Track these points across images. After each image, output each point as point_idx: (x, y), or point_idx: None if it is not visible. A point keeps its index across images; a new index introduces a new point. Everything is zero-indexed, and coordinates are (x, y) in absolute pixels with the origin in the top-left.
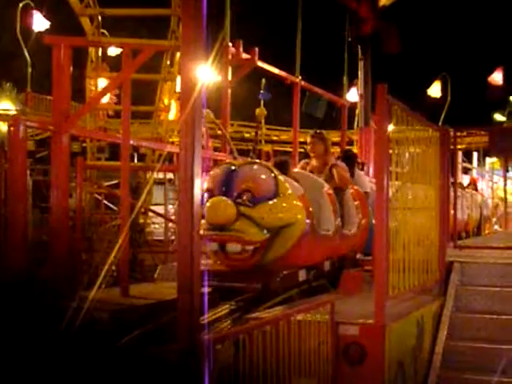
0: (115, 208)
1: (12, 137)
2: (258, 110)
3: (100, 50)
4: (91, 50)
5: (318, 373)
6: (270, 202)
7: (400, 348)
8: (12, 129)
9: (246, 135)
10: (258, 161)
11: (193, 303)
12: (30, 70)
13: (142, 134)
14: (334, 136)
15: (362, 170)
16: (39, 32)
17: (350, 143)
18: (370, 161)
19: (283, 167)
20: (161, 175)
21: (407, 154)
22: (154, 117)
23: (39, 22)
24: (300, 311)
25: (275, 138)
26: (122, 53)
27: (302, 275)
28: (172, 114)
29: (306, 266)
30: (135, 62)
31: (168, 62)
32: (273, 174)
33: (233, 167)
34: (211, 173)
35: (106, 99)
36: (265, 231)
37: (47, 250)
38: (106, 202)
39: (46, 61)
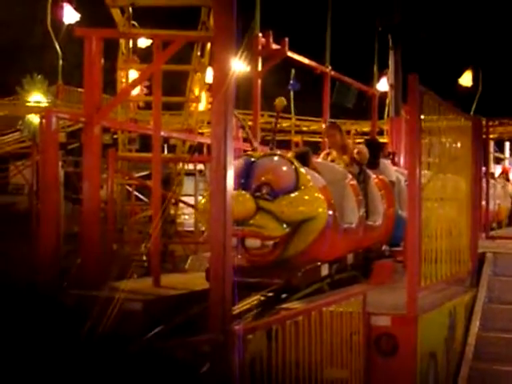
0: (145, 199)
1: (44, 129)
2: (277, 101)
3: (130, 41)
4: (122, 41)
5: (350, 364)
6: (291, 195)
7: (432, 339)
8: (44, 121)
9: (304, 128)
10: (277, 152)
11: (225, 293)
12: (60, 62)
13: (173, 125)
14: (364, 126)
15: (393, 160)
16: (70, 24)
17: (380, 133)
18: (401, 151)
19: (304, 158)
20: (191, 166)
21: (439, 144)
22: (185, 108)
23: (69, 15)
24: (332, 302)
25: (305, 129)
26: (152, 44)
27: (324, 269)
28: (202, 105)
29: (328, 260)
30: (166, 53)
31: (198, 53)
32: (293, 166)
33: (252, 159)
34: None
35: (136, 91)
36: (285, 225)
37: (79, 242)
38: (136, 193)
39: (77, 53)
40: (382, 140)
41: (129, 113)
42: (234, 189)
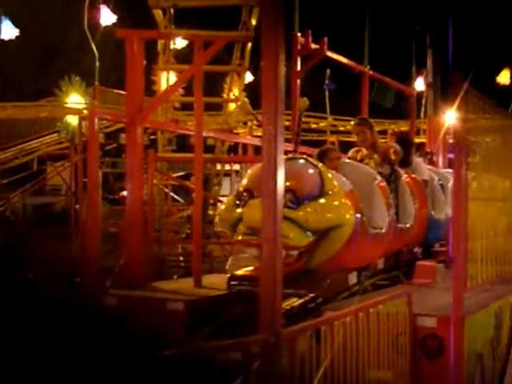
0: (180, 200)
1: (88, 129)
2: (300, 101)
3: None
4: (162, 42)
5: (395, 365)
6: (315, 202)
7: (479, 340)
8: (88, 122)
9: (313, 126)
10: (300, 156)
11: (275, 294)
12: (97, 63)
13: (211, 125)
14: (401, 126)
15: (431, 159)
16: (106, 26)
17: (417, 133)
18: (439, 150)
19: (322, 157)
20: (227, 166)
21: (483, 143)
22: (224, 108)
23: (106, 17)
24: (378, 302)
25: (342, 129)
26: (191, 45)
27: (352, 277)
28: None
29: (356, 267)
30: (207, 54)
31: (238, 54)
32: (318, 170)
33: None
34: (250, 170)
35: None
36: (310, 234)
37: (114, 242)
38: (171, 194)
39: (112, 54)
40: (419, 140)
41: (168, 114)
42: (255, 196)
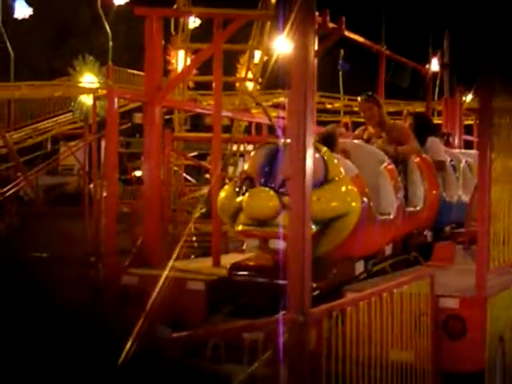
0: (192, 180)
1: (107, 109)
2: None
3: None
4: (179, 21)
5: (417, 346)
6: (319, 190)
7: (501, 322)
8: (107, 101)
9: (328, 106)
10: None
11: (304, 273)
12: (110, 43)
13: (226, 105)
14: (417, 107)
15: (448, 141)
16: (119, 5)
17: (433, 114)
18: (455, 132)
19: (329, 141)
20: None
21: (507, 126)
22: (241, 87)
23: None
24: (402, 283)
25: (356, 109)
26: (205, 25)
27: (359, 266)
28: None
29: (364, 255)
30: (226, 32)
31: (257, 32)
32: (321, 155)
33: (276, 148)
34: (251, 155)
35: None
36: (313, 224)
37: (127, 222)
38: (184, 174)
39: (124, 35)
40: (436, 121)
41: (185, 93)
42: (256, 184)
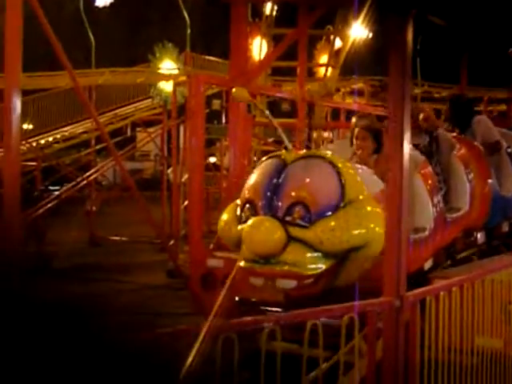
0: None
1: (193, 94)
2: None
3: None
4: (258, 8)
5: (505, 334)
6: (332, 217)
7: None
8: (193, 87)
9: (436, 95)
10: (315, 152)
11: (400, 258)
12: (188, 30)
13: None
14: (498, 94)
15: None
16: None
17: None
18: None
19: (378, 136)
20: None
21: None
22: (325, 73)
23: None
24: (493, 270)
25: (437, 96)
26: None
27: None
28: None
29: None
30: (311, 17)
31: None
32: (336, 171)
33: (281, 164)
34: (253, 173)
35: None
36: (327, 258)
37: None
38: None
39: (200, 21)
40: None
41: (267, 79)
42: (259, 211)
